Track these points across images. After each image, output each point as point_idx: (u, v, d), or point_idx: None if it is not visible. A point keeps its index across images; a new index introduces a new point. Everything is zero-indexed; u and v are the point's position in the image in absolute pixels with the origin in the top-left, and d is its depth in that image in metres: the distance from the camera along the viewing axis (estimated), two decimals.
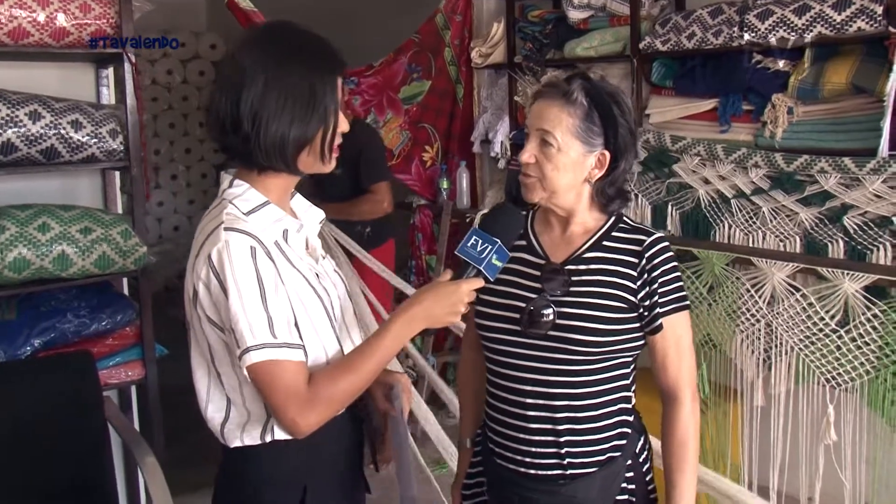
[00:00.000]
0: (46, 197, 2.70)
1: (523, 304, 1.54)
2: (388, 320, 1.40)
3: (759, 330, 2.61)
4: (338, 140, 1.42)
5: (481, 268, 1.40)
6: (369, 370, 1.36)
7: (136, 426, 2.93)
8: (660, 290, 1.52)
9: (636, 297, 1.52)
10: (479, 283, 1.42)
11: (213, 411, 1.42)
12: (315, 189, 3.44)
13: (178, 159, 6.65)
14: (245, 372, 1.30)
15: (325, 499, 1.45)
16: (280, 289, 1.34)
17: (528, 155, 1.53)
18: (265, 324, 1.29)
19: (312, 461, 1.43)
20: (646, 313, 1.53)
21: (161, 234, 6.55)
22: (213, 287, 1.31)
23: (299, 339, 1.35)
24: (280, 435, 1.40)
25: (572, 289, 1.53)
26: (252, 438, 1.41)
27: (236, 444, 1.41)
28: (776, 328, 2.56)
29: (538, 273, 1.56)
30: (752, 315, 2.61)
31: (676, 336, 1.55)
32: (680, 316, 1.55)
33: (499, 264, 1.41)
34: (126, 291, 2.94)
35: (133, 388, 2.92)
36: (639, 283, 1.52)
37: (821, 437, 2.52)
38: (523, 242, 1.62)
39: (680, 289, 1.55)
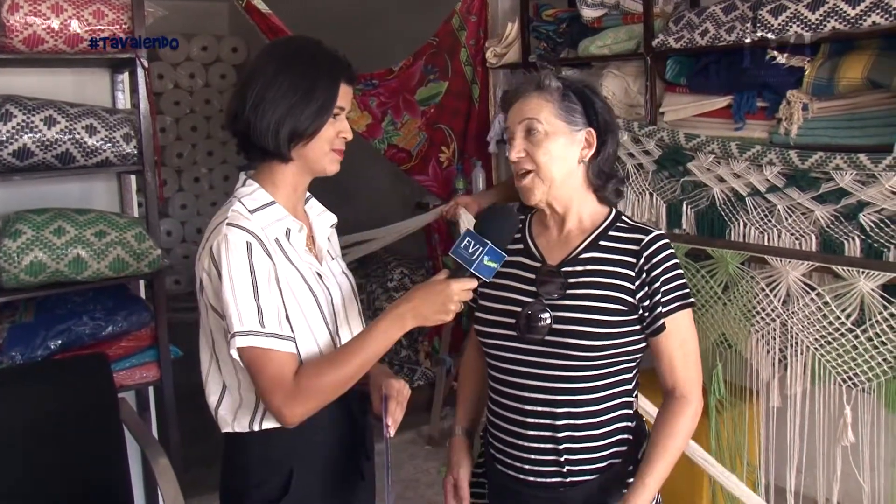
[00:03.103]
0: (65, 201, 2.74)
1: (520, 309, 1.53)
2: (377, 318, 1.45)
3: (775, 329, 2.57)
4: (339, 145, 1.53)
5: (472, 269, 1.41)
6: (355, 365, 1.42)
7: (154, 428, 2.97)
8: (662, 290, 1.49)
9: (635, 298, 1.49)
10: (472, 283, 1.43)
11: (210, 394, 1.52)
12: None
13: (201, 162, 6.71)
14: (236, 355, 1.39)
15: (311, 483, 1.51)
16: (273, 283, 1.43)
17: (516, 150, 1.53)
18: (254, 313, 1.39)
19: (301, 447, 1.50)
20: (646, 314, 1.50)
21: (184, 237, 6.61)
22: (213, 277, 1.42)
23: (290, 332, 1.43)
24: (268, 425, 1.48)
25: (569, 291, 1.50)
26: (241, 426, 1.49)
27: (227, 429, 1.51)
28: (791, 328, 2.52)
29: (535, 276, 1.55)
30: (768, 314, 2.57)
31: (681, 337, 1.52)
32: (683, 315, 1.52)
33: (493, 265, 1.42)
34: (143, 294, 2.98)
35: (150, 390, 2.95)
36: (637, 283, 1.50)
37: (838, 438, 2.48)
38: (520, 246, 1.61)
39: (682, 286, 1.52)
